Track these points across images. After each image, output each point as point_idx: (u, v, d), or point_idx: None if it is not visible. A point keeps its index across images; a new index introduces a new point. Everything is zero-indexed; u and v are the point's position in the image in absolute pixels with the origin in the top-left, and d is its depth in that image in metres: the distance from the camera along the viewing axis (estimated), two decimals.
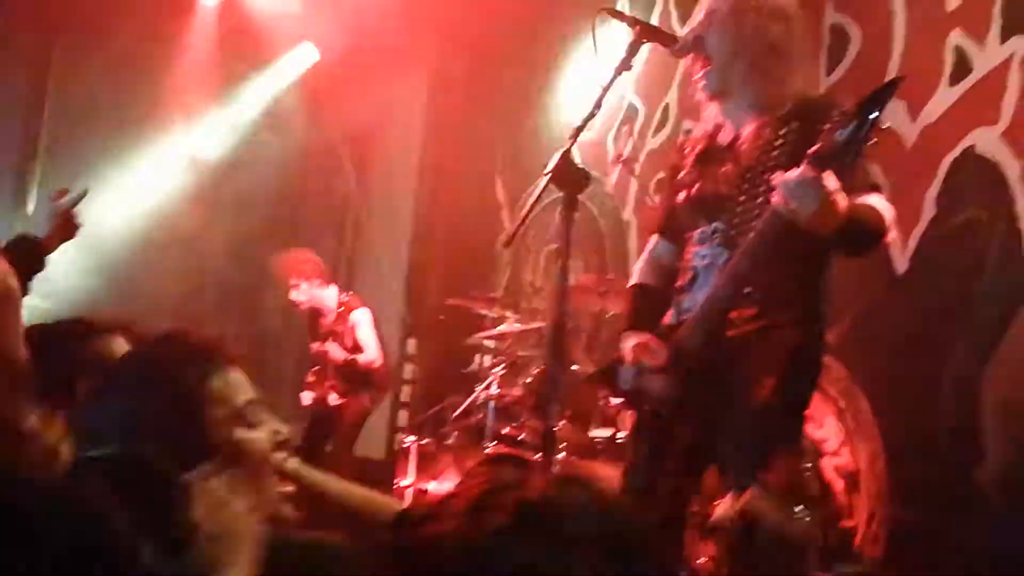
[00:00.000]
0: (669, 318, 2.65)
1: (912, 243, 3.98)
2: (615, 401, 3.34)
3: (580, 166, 2.31)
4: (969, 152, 3.89)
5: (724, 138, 2.64)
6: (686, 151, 2.76)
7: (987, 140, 3.83)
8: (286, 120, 7.03)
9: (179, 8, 6.65)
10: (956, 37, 4.02)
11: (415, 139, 7.18)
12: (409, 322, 6.67)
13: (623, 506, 0.75)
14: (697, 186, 2.64)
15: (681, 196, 2.70)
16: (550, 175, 2.30)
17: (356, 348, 5.52)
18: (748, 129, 2.58)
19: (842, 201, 2.21)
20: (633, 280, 2.88)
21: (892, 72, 4.24)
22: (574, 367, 4.07)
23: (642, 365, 2.59)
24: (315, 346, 5.55)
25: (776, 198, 2.22)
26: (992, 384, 3.61)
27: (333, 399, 5.52)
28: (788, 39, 2.62)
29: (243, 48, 6.76)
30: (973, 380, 3.66)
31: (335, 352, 5.46)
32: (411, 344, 6.70)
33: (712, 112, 2.72)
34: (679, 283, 2.66)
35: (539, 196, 2.35)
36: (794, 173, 2.17)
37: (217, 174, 6.83)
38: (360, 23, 6.44)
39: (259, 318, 6.96)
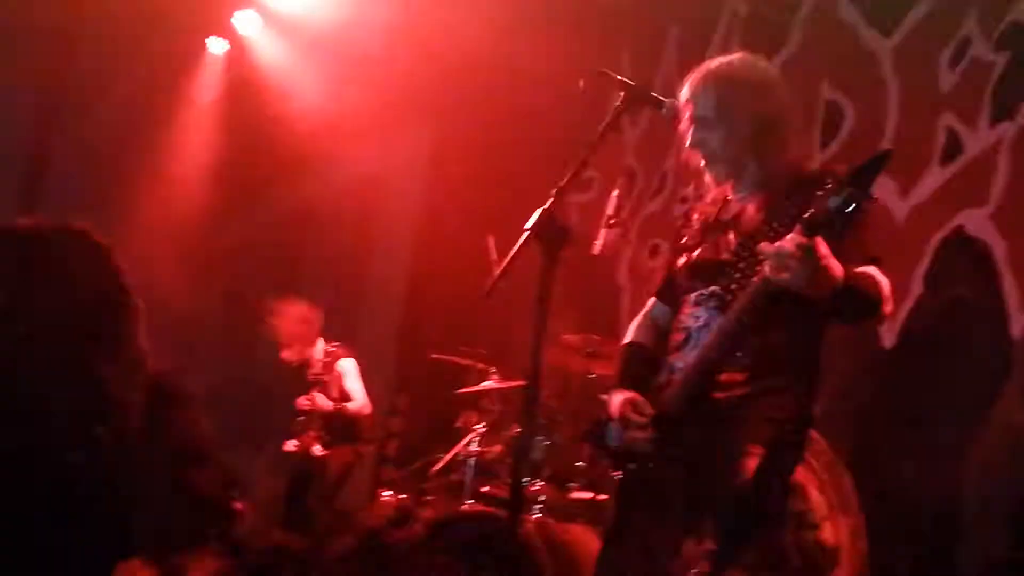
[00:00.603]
0: (661, 376, 2.66)
1: (900, 319, 3.99)
2: (601, 458, 3.33)
3: (561, 223, 2.32)
4: (958, 231, 3.92)
5: (728, 209, 2.68)
6: (692, 217, 2.80)
7: (976, 220, 3.86)
8: (291, 171, 7.09)
9: (186, 57, 6.74)
10: (948, 118, 4.08)
11: (415, 195, 7.23)
12: (400, 376, 6.66)
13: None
14: (698, 251, 2.68)
15: (682, 260, 2.73)
16: (530, 231, 2.31)
17: (344, 397, 5.51)
18: (751, 202, 2.62)
19: (836, 267, 2.22)
20: (627, 338, 2.90)
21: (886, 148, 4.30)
22: (553, 428, 4.07)
23: (628, 421, 2.59)
24: (301, 397, 5.54)
25: (766, 266, 2.23)
26: (974, 463, 3.59)
27: (317, 450, 5.49)
28: (777, 112, 2.66)
29: (249, 98, 6.84)
30: (957, 458, 3.64)
31: (322, 401, 5.45)
32: (401, 399, 6.68)
33: (715, 183, 2.77)
34: (672, 343, 2.67)
35: (518, 251, 2.36)
36: (783, 241, 2.19)
37: (216, 222, 6.88)
38: (367, 77, 6.53)
39: (250, 368, 6.95)
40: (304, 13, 6.50)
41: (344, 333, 6.42)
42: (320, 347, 5.65)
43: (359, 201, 7.47)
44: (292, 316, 5.66)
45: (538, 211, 2.32)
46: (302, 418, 5.54)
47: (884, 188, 4.08)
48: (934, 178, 4.07)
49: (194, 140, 6.81)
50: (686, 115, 2.66)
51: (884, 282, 2.42)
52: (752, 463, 2.42)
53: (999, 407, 3.55)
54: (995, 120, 3.90)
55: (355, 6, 6.29)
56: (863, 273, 2.38)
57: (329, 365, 5.57)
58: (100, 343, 1.50)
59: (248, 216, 6.91)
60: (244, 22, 6.67)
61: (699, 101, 2.64)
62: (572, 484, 3.93)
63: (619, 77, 2.59)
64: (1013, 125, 3.82)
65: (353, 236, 7.46)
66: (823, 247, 2.17)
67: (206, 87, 6.75)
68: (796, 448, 2.59)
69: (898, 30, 4.42)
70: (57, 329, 1.47)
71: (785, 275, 2.18)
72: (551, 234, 2.30)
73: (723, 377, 2.49)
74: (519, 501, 2.20)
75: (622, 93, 2.54)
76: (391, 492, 4.37)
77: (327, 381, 5.51)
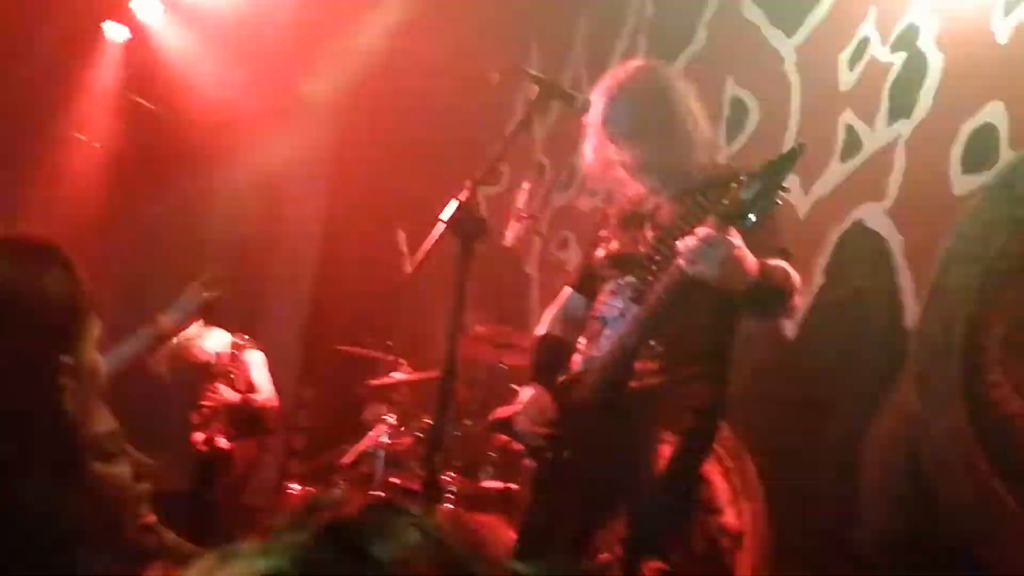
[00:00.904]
0: (576, 366, 2.69)
1: (802, 310, 4.10)
2: (518, 447, 3.36)
3: (477, 215, 2.33)
4: (857, 225, 4.06)
5: (646, 204, 2.74)
6: (606, 213, 2.85)
7: (874, 215, 4.00)
8: (193, 162, 6.93)
9: (85, 44, 6.52)
10: (848, 116, 4.21)
11: (320, 187, 7.16)
12: (307, 369, 6.58)
13: (445, 538, 0.75)
14: (616, 244, 2.72)
15: (600, 252, 2.77)
16: (446, 223, 2.32)
17: (250, 390, 5.43)
18: (667, 197, 2.68)
19: (751, 261, 2.27)
20: (542, 330, 2.92)
21: (789, 144, 4.41)
22: (466, 419, 4.08)
23: (537, 415, 2.62)
24: (206, 388, 5.43)
25: (680, 259, 2.27)
26: (871, 448, 3.72)
27: (222, 443, 5.39)
28: (685, 115, 2.73)
29: (150, 88, 6.66)
30: (854, 444, 3.77)
31: (227, 393, 5.35)
32: (307, 391, 6.61)
33: (632, 178, 2.82)
34: (587, 333, 2.71)
35: (435, 242, 2.37)
36: (696, 233, 2.23)
37: (114, 214, 6.68)
38: (271, 69, 6.43)
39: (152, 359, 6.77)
40: (207, 2, 6.35)
41: (249, 325, 6.33)
42: (226, 338, 5.55)
43: (263, 193, 7.34)
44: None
45: (453, 203, 2.33)
46: (207, 411, 5.43)
47: (788, 183, 4.19)
48: (834, 174, 4.20)
49: (91, 129, 6.60)
50: (597, 131, 2.70)
51: (795, 276, 2.49)
52: (666, 451, 2.48)
53: (895, 395, 3.69)
54: (892, 118, 4.04)
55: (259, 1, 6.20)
56: (776, 266, 2.44)
57: (236, 357, 5.47)
58: (65, 356, 1.49)
59: (148, 208, 6.73)
60: (144, 9, 6.48)
61: (610, 117, 2.68)
62: (483, 474, 3.95)
63: (532, 72, 2.62)
64: (909, 123, 3.96)
65: (257, 228, 7.33)
66: (737, 239, 2.22)
67: (104, 75, 6.54)
68: (708, 436, 2.66)
69: (800, 30, 4.54)
70: (28, 344, 1.45)
71: (698, 266, 2.23)
72: (467, 226, 2.32)
73: (638, 366, 2.54)
74: (435, 490, 2.20)
75: (536, 88, 2.56)
76: (299, 485, 4.31)
77: (234, 373, 5.42)
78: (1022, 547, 3.16)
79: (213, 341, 5.45)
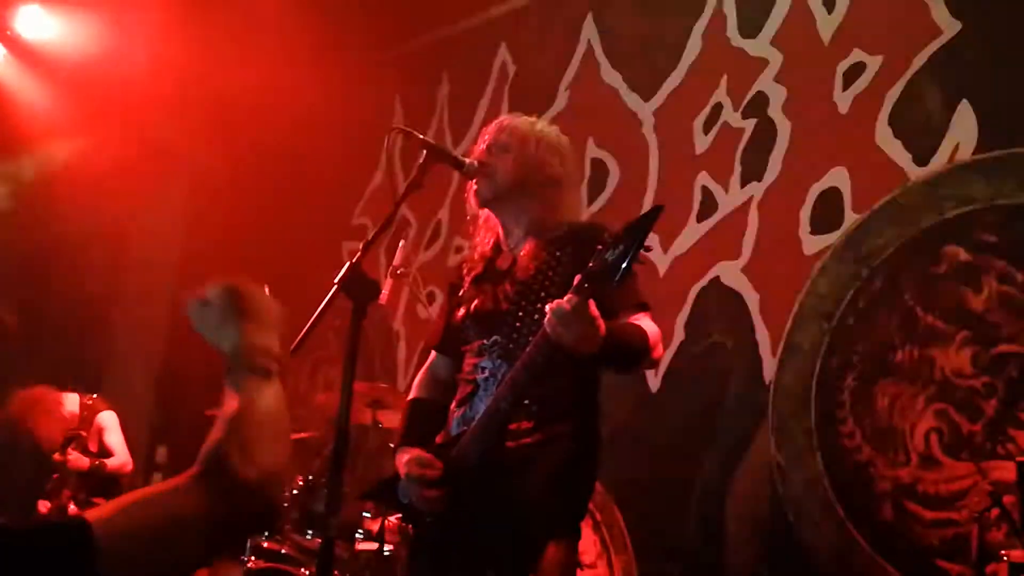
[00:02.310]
0: (451, 428, 2.69)
1: (664, 363, 4.24)
2: (390, 514, 3.32)
3: (370, 277, 2.32)
4: (715, 282, 4.24)
5: (502, 260, 2.77)
6: (464, 271, 2.86)
7: (730, 272, 4.19)
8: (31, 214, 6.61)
9: None
10: (703, 179, 4.42)
11: (174, 237, 6.95)
12: (159, 428, 6.33)
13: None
14: (475, 303, 2.73)
15: (460, 312, 2.78)
16: (339, 285, 2.30)
17: (102, 452, 5.18)
18: (525, 251, 2.72)
19: (599, 329, 2.34)
20: (411, 394, 2.91)
21: (648, 204, 4.59)
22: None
23: (417, 479, 2.60)
24: (56, 455, 5.14)
25: (547, 321, 2.31)
26: (735, 499, 3.87)
27: (71, 510, 5.11)
28: (564, 171, 2.81)
29: None
30: (719, 493, 3.90)
31: (77, 460, 5.09)
32: (160, 452, 6.35)
33: (486, 234, 2.85)
34: (459, 395, 2.71)
35: (326, 305, 2.34)
36: (562, 302, 2.28)
37: None
38: (119, 112, 6.24)
39: None
40: (54, 46, 6.12)
41: (95, 383, 6.05)
42: (75, 400, 5.29)
43: (110, 244, 7.07)
44: (35, 398, 5.21)
45: (347, 265, 2.31)
46: (56, 476, 5.15)
47: (649, 241, 4.35)
48: (692, 233, 4.38)
49: None
50: (481, 163, 2.74)
51: (652, 330, 2.56)
52: (545, 507, 2.50)
53: (755, 447, 3.86)
54: (745, 180, 4.26)
55: (111, 42, 6.00)
56: (628, 324, 2.51)
57: (87, 419, 5.22)
58: None
59: None
60: None
61: (498, 149, 2.74)
62: (358, 536, 3.88)
63: (421, 136, 2.64)
64: (760, 186, 4.19)
65: (103, 281, 7.04)
66: (592, 311, 2.29)
67: None
68: (586, 490, 2.69)
69: (657, 94, 4.74)
70: None
71: (562, 331, 2.28)
72: (360, 288, 2.30)
73: (512, 426, 2.56)
74: (330, 557, 2.16)
75: (425, 150, 2.58)
76: None
77: (84, 435, 5.16)
78: None
79: (68, 404, 5.20)
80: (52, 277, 6.94)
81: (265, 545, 3.99)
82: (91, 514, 1.11)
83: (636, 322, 2.54)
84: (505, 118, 2.85)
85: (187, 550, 1.14)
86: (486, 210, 2.84)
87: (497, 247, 2.82)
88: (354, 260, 2.32)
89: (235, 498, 1.20)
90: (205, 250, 6.63)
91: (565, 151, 2.85)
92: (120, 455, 5.19)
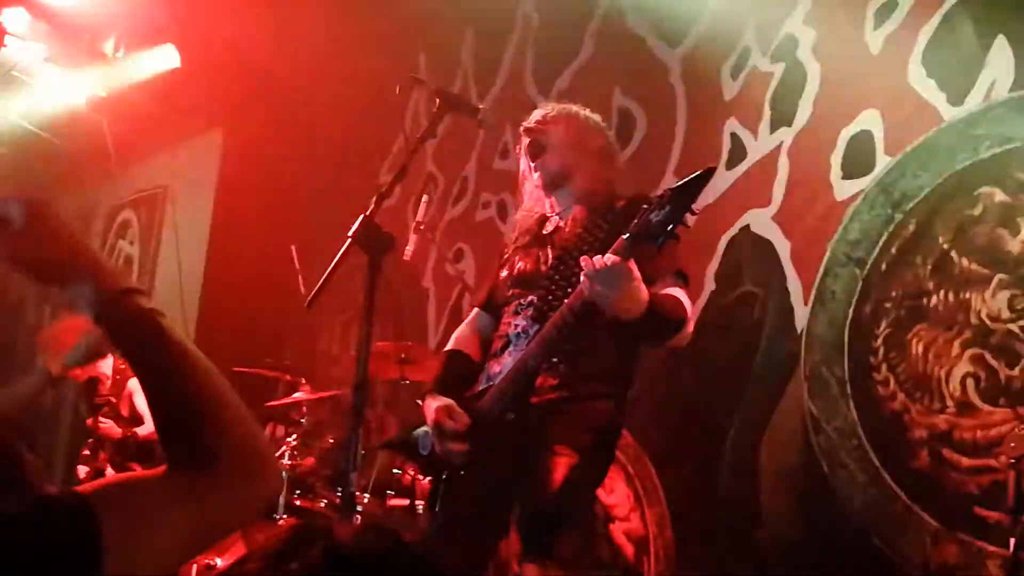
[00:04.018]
0: (480, 384, 2.69)
1: (695, 314, 4.18)
2: (413, 468, 3.33)
3: (384, 230, 2.31)
4: (745, 231, 4.16)
5: (549, 226, 2.79)
6: (515, 234, 2.89)
7: (761, 220, 4.11)
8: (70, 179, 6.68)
9: None
10: (732, 124, 4.33)
11: (206, 202, 6.98)
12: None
13: (425, 555, 0.75)
14: (519, 264, 2.75)
15: (504, 273, 2.81)
16: (353, 239, 2.28)
17: (135, 416, 5.24)
18: (571, 218, 2.73)
19: (643, 292, 2.31)
20: (450, 345, 2.93)
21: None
22: (368, 436, 4.02)
23: (443, 430, 2.60)
24: (91, 419, 5.21)
25: (583, 279, 2.30)
26: (768, 449, 3.82)
27: (110, 472, 5.19)
28: (611, 148, 2.88)
29: (23, 103, 6.39)
30: (751, 448, 3.86)
31: (110, 429, 5.15)
32: None
33: (534, 202, 2.87)
34: (492, 350, 2.72)
35: (341, 259, 2.33)
36: (601, 259, 2.26)
37: None
38: (151, 82, 6.26)
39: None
40: (80, 13, 6.13)
41: None
42: (109, 363, 5.34)
43: (146, 207, 7.13)
44: (62, 329, 5.29)
45: (360, 218, 2.29)
46: (92, 440, 5.22)
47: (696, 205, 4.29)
48: (721, 181, 4.30)
49: None
50: (532, 139, 2.80)
51: (687, 304, 2.55)
52: (563, 466, 2.49)
53: (787, 394, 3.80)
54: (775, 126, 4.16)
55: (140, 8, 6.01)
56: (669, 296, 2.49)
57: (119, 383, 5.27)
58: None
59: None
60: (11, 20, 6.21)
61: (550, 129, 2.80)
62: (389, 492, 3.91)
63: (435, 84, 2.61)
64: (790, 131, 4.10)
65: (140, 243, 7.12)
66: (636, 271, 2.26)
67: None
68: (608, 454, 2.68)
69: (684, 42, 4.65)
70: None
71: (596, 288, 2.26)
72: (374, 241, 2.28)
73: (538, 381, 2.55)
74: (352, 510, 2.16)
75: (439, 98, 2.55)
76: None
77: (116, 401, 5.22)
78: (914, 536, 3.29)
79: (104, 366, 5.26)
80: (92, 241, 7.02)
81: (297, 503, 4.03)
82: (89, 487, 1.08)
83: (674, 295, 2.52)
84: (553, 103, 2.96)
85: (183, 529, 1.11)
86: (537, 174, 2.85)
87: (544, 214, 2.84)
88: (367, 213, 2.30)
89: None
90: (237, 212, 6.65)
91: (606, 130, 2.95)
92: (150, 422, 5.25)
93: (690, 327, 2.60)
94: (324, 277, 2.29)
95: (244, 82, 6.34)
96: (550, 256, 2.70)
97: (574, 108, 2.90)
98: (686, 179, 2.18)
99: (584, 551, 3.07)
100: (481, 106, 2.69)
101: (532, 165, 2.82)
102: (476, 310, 2.97)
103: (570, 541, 2.55)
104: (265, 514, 4.05)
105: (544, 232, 2.80)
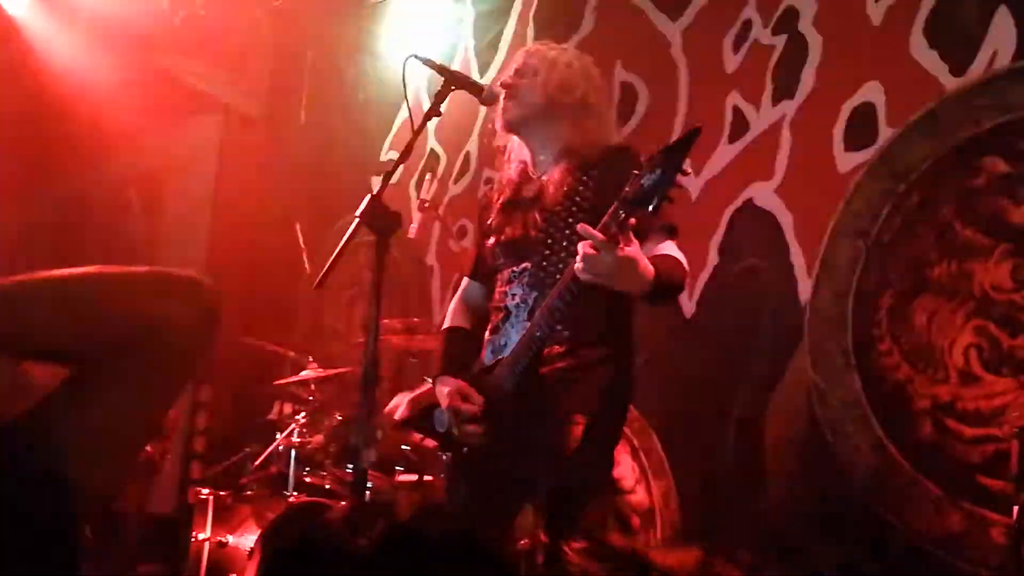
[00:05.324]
0: (484, 357, 2.70)
1: (698, 288, 4.21)
2: (430, 444, 3.35)
3: (391, 209, 2.32)
4: (748, 204, 4.17)
5: (530, 186, 2.75)
6: (493, 199, 2.85)
7: (764, 194, 4.12)
8: (68, 160, 6.66)
9: None
10: (734, 98, 4.33)
11: (208, 180, 6.97)
12: (202, 369, 6.41)
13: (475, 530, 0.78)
14: (505, 231, 2.73)
15: (490, 241, 2.78)
16: (360, 218, 2.30)
17: None
18: (554, 176, 2.69)
19: (647, 268, 2.30)
20: (446, 323, 2.93)
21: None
22: (376, 413, 4.04)
23: (459, 412, 2.62)
24: None
25: (577, 265, 2.28)
26: (772, 420, 3.86)
27: None
28: (595, 95, 2.77)
29: (22, 82, 6.37)
30: (755, 419, 3.89)
31: None
32: (204, 390, 6.43)
33: (514, 161, 2.84)
34: (491, 323, 2.72)
35: (349, 238, 2.35)
36: (587, 245, 2.24)
37: None
38: (150, 60, 6.24)
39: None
40: None
41: None
42: None
43: (146, 188, 7.12)
44: None
45: (367, 197, 2.31)
46: None
47: (686, 165, 4.29)
48: (724, 154, 4.30)
49: None
50: (508, 86, 2.73)
51: (683, 261, 2.54)
52: (579, 433, 2.51)
53: (791, 366, 3.83)
54: (776, 99, 4.16)
55: None
56: (667, 259, 2.48)
57: None
58: None
59: (24, 206, 6.44)
60: (11, 1, 6.18)
61: (526, 73, 2.72)
62: (398, 468, 3.94)
63: (439, 63, 2.61)
64: (792, 103, 4.10)
65: (141, 224, 7.11)
66: (633, 248, 2.24)
67: None
68: (618, 416, 2.70)
69: (685, 14, 4.63)
70: None
71: (593, 274, 2.25)
72: (382, 220, 2.30)
73: (545, 351, 2.56)
74: (363, 485, 2.19)
75: (444, 76, 2.55)
76: (207, 489, 4.21)
77: None
78: (916, 504, 3.33)
79: None
80: (90, 222, 7.02)
81: (307, 480, 4.07)
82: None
83: (667, 252, 2.52)
84: (532, 45, 2.85)
85: None
86: (514, 136, 2.83)
87: (525, 172, 2.80)
88: (374, 192, 2.31)
89: None
90: (238, 190, 6.65)
91: (594, 75, 2.83)
92: None
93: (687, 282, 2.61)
94: (332, 258, 2.30)
95: (239, 58, 6.32)
96: (538, 220, 2.67)
97: (551, 55, 2.79)
98: (674, 141, 2.17)
99: (608, 517, 3.09)
100: (484, 84, 2.69)
101: (504, 107, 2.74)
102: (466, 280, 2.96)
103: (594, 508, 2.58)
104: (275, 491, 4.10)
105: (526, 194, 2.75)
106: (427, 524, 0.77)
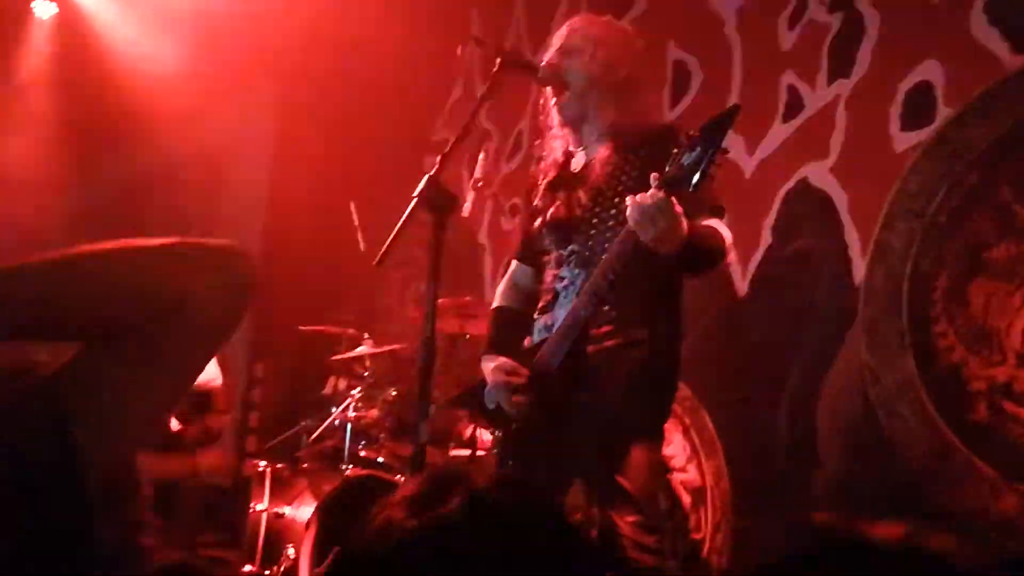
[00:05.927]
0: (532, 338, 2.74)
1: (751, 268, 4.20)
2: (479, 421, 3.40)
3: (448, 189, 2.35)
4: (802, 184, 4.15)
5: (575, 165, 2.76)
6: (539, 179, 2.87)
7: (818, 173, 4.09)
8: (132, 139, 6.80)
9: (9, 22, 6.35)
10: (789, 76, 4.29)
11: (263, 162, 7.07)
12: (257, 345, 6.53)
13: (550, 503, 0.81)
14: (551, 211, 2.75)
15: (537, 222, 2.81)
16: (419, 199, 2.33)
17: None
18: (599, 156, 2.71)
19: (683, 226, 2.33)
20: (495, 303, 2.97)
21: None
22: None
23: (506, 387, 2.66)
24: None
25: (630, 220, 2.31)
26: (826, 400, 3.84)
27: (173, 425, 5.33)
28: (638, 72, 2.78)
29: (85, 64, 6.50)
30: (809, 398, 3.88)
31: None
32: (259, 367, 6.56)
33: (559, 141, 2.85)
34: (540, 304, 2.75)
35: (407, 219, 2.38)
36: (645, 196, 2.27)
37: (52, 193, 6.54)
38: (208, 45, 6.32)
39: None
40: None
41: None
42: None
43: (204, 168, 7.24)
44: None
45: (425, 178, 2.34)
46: None
47: (732, 144, 4.26)
48: (778, 134, 4.28)
49: (23, 110, 6.43)
50: (552, 66, 2.74)
51: (726, 233, 2.55)
52: (625, 407, 2.54)
53: (846, 349, 3.81)
54: (832, 78, 4.13)
55: None
56: (706, 227, 2.50)
57: None
58: None
59: (87, 186, 6.60)
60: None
61: (569, 52, 2.72)
62: (451, 443, 4.00)
63: (495, 43, 2.63)
64: (848, 82, 4.06)
65: (199, 203, 7.23)
66: (677, 206, 2.27)
67: (35, 52, 6.36)
68: (665, 392, 2.72)
69: None
70: None
71: (645, 226, 2.27)
72: (439, 200, 2.33)
73: (593, 330, 2.59)
74: (422, 461, 2.24)
75: (500, 57, 2.57)
76: (264, 462, 4.31)
77: None
78: (971, 486, 3.31)
79: None
80: (150, 204, 7.16)
81: (362, 454, 4.14)
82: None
83: (711, 225, 2.54)
84: (575, 19, 2.83)
85: None
86: (557, 112, 2.83)
87: (569, 152, 2.82)
88: (432, 173, 2.35)
89: None
90: (293, 172, 6.74)
91: (637, 51, 2.82)
92: (209, 371, 5.36)
93: (731, 255, 2.61)
94: (391, 237, 2.34)
95: (301, 36, 6.38)
96: (583, 199, 2.69)
97: (593, 32, 2.78)
98: (713, 119, 2.18)
99: (657, 488, 3.08)
100: (540, 65, 2.70)
101: (554, 102, 2.76)
102: (514, 262, 2.99)
103: (638, 476, 2.60)
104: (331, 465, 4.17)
105: (572, 172, 2.77)
106: (506, 495, 0.80)
